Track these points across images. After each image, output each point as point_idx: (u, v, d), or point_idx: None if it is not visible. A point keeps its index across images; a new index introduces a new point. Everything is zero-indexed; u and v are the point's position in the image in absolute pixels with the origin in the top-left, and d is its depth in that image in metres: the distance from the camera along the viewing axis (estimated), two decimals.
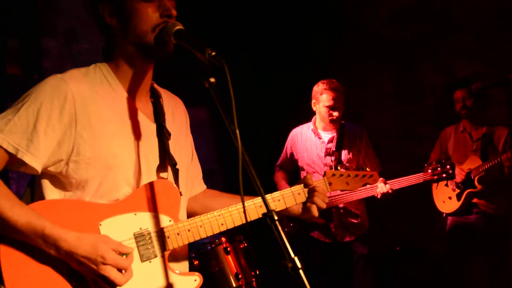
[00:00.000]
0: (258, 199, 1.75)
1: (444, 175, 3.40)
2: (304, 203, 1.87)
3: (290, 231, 3.89)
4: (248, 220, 1.72)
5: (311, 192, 1.85)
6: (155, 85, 1.82)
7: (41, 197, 1.59)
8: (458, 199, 4.05)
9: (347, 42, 5.91)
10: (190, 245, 1.76)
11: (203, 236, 1.68)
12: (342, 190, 3.26)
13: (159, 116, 1.73)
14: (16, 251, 1.48)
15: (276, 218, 1.27)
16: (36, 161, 1.49)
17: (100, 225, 1.55)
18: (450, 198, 4.13)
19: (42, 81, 1.55)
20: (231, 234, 3.30)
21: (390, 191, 3.49)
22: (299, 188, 1.87)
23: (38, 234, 1.44)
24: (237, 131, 1.30)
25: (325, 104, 3.75)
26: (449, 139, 4.25)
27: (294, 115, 4.35)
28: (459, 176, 3.97)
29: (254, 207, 1.75)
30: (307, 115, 3.95)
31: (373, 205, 3.86)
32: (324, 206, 1.85)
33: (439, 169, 3.40)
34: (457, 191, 4.06)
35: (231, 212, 1.73)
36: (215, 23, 4.93)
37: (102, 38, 1.70)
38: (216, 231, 1.71)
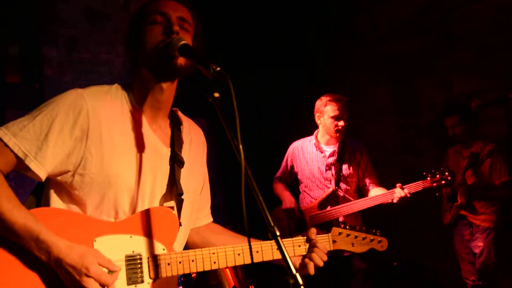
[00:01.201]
0: (257, 244, 1.75)
1: (443, 182, 3.47)
2: (302, 257, 1.83)
3: None
4: (242, 263, 1.72)
5: (312, 247, 1.81)
6: (179, 112, 1.86)
7: (46, 204, 1.62)
8: (450, 212, 4.34)
9: (345, 57, 5.96)
10: None
11: (193, 270, 1.66)
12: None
13: (175, 143, 1.75)
14: (6, 253, 1.49)
15: (278, 233, 1.27)
16: (41, 169, 1.53)
17: (95, 241, 1.56)
18: (446, 210, 4.44)
19: (63, 93, 1.61)
20: None
21: (408, 195, 3.49)
22: (300, 240, 1.84)
23: (32, 237, 1.46)
24: (241, 146, 1.31)
25: (330, 114, 3.76)
26: (450, 159, 4.50)
27: (290, 129, 4.38)
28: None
29: (248, 251, 1.73)
30: (303, 128, 3.96)
31: (370, 219, 3.86)
32: (321, 264, 1.79)
33: (437, 176, 3.47)
34: (449, 204, 4.37)
35: (226, 252, 1.72)
36: (216, 41, 4.96)
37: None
38: (207, 268, 1.69)
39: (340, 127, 3.77)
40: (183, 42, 1.53)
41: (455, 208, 4.28)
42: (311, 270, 1.79)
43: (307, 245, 1.83)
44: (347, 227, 1.95)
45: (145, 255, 1.61)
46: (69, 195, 1.61)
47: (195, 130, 1.92)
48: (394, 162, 5.55)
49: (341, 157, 3.81)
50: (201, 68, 1.40)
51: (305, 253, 1.82)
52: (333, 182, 3.77)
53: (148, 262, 1.61)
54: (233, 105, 1.30)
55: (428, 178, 3.51)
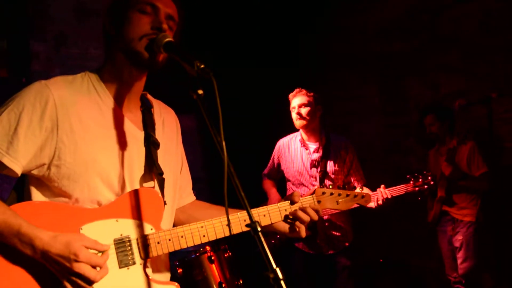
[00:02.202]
0: (243, 213, 1.75)
1: (425, 186, 3.50)
2: (291, 223, 1.85)
3: (276, 243, 3.88)
4: (232, 233, 1.73)
5: (299, 210, 1.83)
6: (148, 96, 1.85)
7: (28, 199, 1.60)
8: (432, 209, 4.45)
9: (335, 56, 5.99)
10: (174, 253, 1.75)
11: (184, 246, 1.68)
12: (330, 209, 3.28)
13: (147, 125, 1.74)
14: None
15: (259, 229, 1.29)
16: (15, 164, 1.50)
17: (81, 229, 1.55)
18: (430, 208, 4.52)
19: (26, 86, 1.58)
20: (216, 243, 3.31)
21: (389, 197, 3.47)
22: (285, 204, 1.86)
23: (13, 233, 1.44)
24: (223, 143, 1.32)
25: (291, 107, 3.86)
26: (430, 160, 4.61)
27: (279, 127, 4.39)
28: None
29: (238, 221, 1.76)
30: (293, 126, 3.97)
31: (356, 216, 3.89)
32: (307, 219, 1.81)
33: (420, 180, 3.51)
34: (432, 201, 4.46)
35: (213, 224, 1.72)
36: (206, 39, 4.97)
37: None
38: (197, 242, 1.70)
39: (297, 117, 3.79)
40: (168, 39, 1.55)
41: (436, 204, 4.35)
42: (303, 233, 1.84)
43: (292, 208, 1.85)
44: (330, 187, 1.97)
45: (133, 236, 1.61)
46: (49, 189, 1.59)
47: (166, 110, 1.91)
48: (382, 161, 5.60)
49: (326, 153, 3.80)
50: (185, 65, 1.41)
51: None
52: (318, 179, 3.77)
53: (137, 243, 1.61)
54: (216, 102, 1.32)
55: (411, 182, 3.54)
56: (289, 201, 1.87)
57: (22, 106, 1.52)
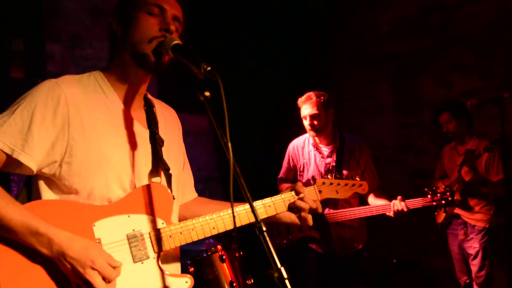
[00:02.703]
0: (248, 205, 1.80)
1: (443, 201, 3.39)
2: (297, 212, 1.91)
3: (288, 243, 3.82)
4: (239, 225, 1.79)
5: (302, 200, 1.90)
6: (149, 95, 1.88)
7: (38, 198, 1.61)
8: (444, 211, 4.31)
9: (347, 55, 5.98)
10: (186, 252, 1.78)
11: (195, 239, 1.72)
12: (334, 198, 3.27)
13: (152, 124, 1.78)
14: (8, 250, 1.49)
15: (264, 229, 1.31)
16: (31, 160, 1.51)
17: (94, 225, 1.57)
18: (441, 209, 4.38)
19: (37, 85, 1.60)
20: (227, 242, 3.34)
21: (405, 209, 3.37)
22: (290, 195, 1.91)
23: (32, 233, 1.45)
24: (229, 144, 1.34)
25: (301, 116, 3.74)
26: (445, 156, 4.47)
27: (291, 128, 4.37)
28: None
29: (245, 213, 1.80)
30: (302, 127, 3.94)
31: (371, 218, 3.87)
32: (307, 208, 1.89)
33: (438, 195, 3.40)
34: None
35: (222, 217, 1.77)
36: (217, 39, 4.99)
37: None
38: (208, 234, 1.74)
39: (309, 128, 3.68)
40: (176, 41, 1.57)
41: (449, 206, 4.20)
42: (311, 221, 1.90)
43: (297, 198, 1.91)
44: (329, 176, 2.09)
45: (146, 231, 1.64)
46: (58, 187, 1.60)
47: (166, 109, 1.95)
48: (395, 160, 5.58)
49: (340, 156, 3.69)
50: (193, 68, 1.44)
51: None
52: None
53: (150, 238, 1.63)
54: (222, 103, 1.34)
55: (429, 196, 3.41)
56: (294, 192, 1.92)
57: (34, 104, 1.53)
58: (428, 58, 5.24)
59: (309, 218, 1.89)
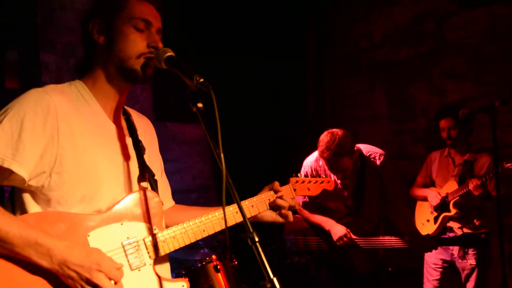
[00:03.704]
0: (234, 206, 1.87)
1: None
2: (277, 210, 2.01)
3: (300, 262, 3.70)
4: (228, 225, 1.84)
5: (281, 198, 2.01)
6: (125, 106, 1.89)
7: (23, 212, 1.57)
8: (435, 222, 4.03)
9: (342, 64, 6.02)
10: (181, 262, 1.80)
11: (187, 242, 1.75)
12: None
13: (133, 132, 1.80)
14: (5, 265, 1.45)
15: (257, 239, 1.32)
16: (23, 169, 1.48)
17: (89, 235, 1.55)
18: (428, 221, 4.13)
19: (23, 94, 1.56)
20: (222, 252, 3.33)
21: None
22: (269, 194, 2.03)
23: (30, 244, 1.42)
24: (222, 155, 1.35)
25: (325, 165, 3.46)
26: (433, 163, 4.28)
27: (287, 138, 4.37)
28: (435, 200, 4.02)
29: (232, 214, 1.87)
30: (300, 137, 3.89)
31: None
32: (286, 205, 1.99)
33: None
34: (435, 214, 4.07)
35: (211, 219, 1.82)
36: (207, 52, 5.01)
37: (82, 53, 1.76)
38: (199, 237, 1.79)
39: (339, 180, 3.46)
40: (169, 53, 1.59)
41: (443, 218, 3.98)
42: (291, 217, 2.02)
43: (275, 196, 2.03)
44: (300, 176, 2.29)
45: (140, 238, 1.65)
46: (45, 200, 1.57)
47: (142, 118, 1.96)
48: None
49: (362, 181, 3.48)
50: (186, 79, 1.46)
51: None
52: (352, 210, 3.55)
53: (145, 244, 1.65)
54: (215, 114, 1.35)
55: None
56: (273, 191, 2.04)
57: (23, 112, 1.50)
58: (421, 66, 5.29)
59: (290, 214, 2.01)
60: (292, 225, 3.76)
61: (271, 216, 2.01)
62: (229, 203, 1.38)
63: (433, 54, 5.19)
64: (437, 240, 3.27)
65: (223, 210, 1.34)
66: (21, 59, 4.40)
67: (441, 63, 5.12)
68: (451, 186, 4.01)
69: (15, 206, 1.61)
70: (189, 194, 5.14)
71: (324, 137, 3.38)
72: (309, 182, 2.30)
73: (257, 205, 1.97)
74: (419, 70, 5.31)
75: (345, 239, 3.41)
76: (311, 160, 3.68)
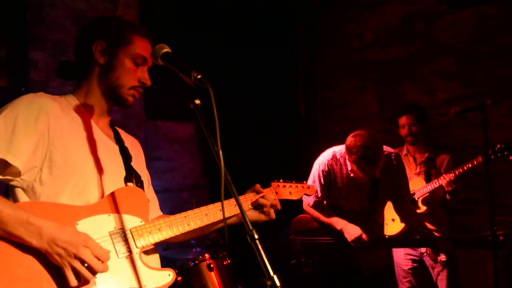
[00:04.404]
0: (218, 203, 1.97)
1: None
2: (259, 208, 2.10)
3: (311, 270, 3.63)
4: (213, 220, 1.95)
5: (262, 198, 2.11)
6: (111, 122, 2.02)
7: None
8: (401, 221, 3.89)
9: (333, 64, 6.04)
10: (174, 260, 1.82)
11: (171, 235, 1.84)
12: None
13: (120, 141, 1.93)
14: None
15: (256, 237, 1.31)
16: (18, 160, 1.57)
17: (77, 224, 1.63)
18: (393, 220, 4.04)
19: (17, 98, 1.68)
20: (215, 250, 3.32)
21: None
22: (250, 195, 2.13)
23: (22, 222, 1.49)
24: (220, 152, 1.35)
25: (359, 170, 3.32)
26: None
27: (278, 137, 4.37)
28: None
29: (215, 210, 1.97)
30: (293, 137, 3.89)
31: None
32: (275, 203, 2.11)
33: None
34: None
35: (195, 214, 1.91)
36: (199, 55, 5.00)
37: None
38: (184, 230, 1.87)
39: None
40: (165, 50, 1.58)
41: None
42: (273, 215, 2.12)
43: (257, 197, 2.12)
44: (281, 180, 2.35)
45: (126, 228, 1.74)
46: (36, 194, 1.65)
47: (129, 137, 2.08)
48: None
49: (376, 181, 3.41)
50: (183, 76, 1.46)
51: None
52: (364, 211, 3.53)
53: (131, 234, 1.73)
54: (213, 111, 1.34)
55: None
56: (254, 192, 2.15)
57: (17, 112, 1.62)
58: (411, 66, 5.33)
59: (272, 212, 2.10)
60: (300, 225, 3.75)
61: (254, 215, 2.09)
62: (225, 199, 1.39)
63: (423, 54, 5.23)
64: (451, 241, 3.25)
65: (222, 205, 1.35)
66: (9, 57, 4.35)
67: (430, 63, 5.16)
68: (418, 183, 4.02)
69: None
70: (180, 193, 5.13)
71: (355, 140, 3.24)
72: (290, 186, 2.36)
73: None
74: (409, 70, 5.35)
75: (362, 238, 3.32)
76: (326, 158, 3.55)
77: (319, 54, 6.12)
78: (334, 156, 3.53)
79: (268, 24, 5.60)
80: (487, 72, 4.73)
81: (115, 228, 1.71)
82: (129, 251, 1.70)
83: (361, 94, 5.82)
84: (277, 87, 5.57)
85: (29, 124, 1.61)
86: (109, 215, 1.71)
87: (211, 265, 3.15)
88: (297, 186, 2.40)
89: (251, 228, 1.32)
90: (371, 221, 3.55)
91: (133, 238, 1.73)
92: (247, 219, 1.34)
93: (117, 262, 1.66)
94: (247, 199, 2.11)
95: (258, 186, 2.16)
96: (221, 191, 1.34)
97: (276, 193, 2.27)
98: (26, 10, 4.30)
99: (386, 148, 3.50)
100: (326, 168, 3.51)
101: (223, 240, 3.39)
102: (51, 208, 1.62)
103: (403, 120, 4.11)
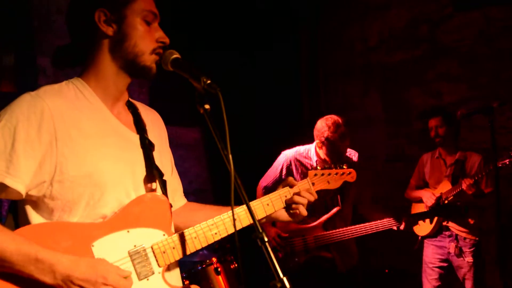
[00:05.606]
0: (242, 206, 1.75)
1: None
2: (288, 209, 1.88)
3: (295, 266, 3.68)
4: (241, 226, 1.73)
5: (297, 193, 1.87)
6: (131, 99, 1.78)
7: (26, 223, 1.49)
8: (431, 222, 4.08)
9: (337, 66, 6.05)
10: (181, 263, 1.75)
11: (198, 247, 1.65)
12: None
13: (140, 127, 1.68)
14: (5, 285, 1.38)
15: (266, 239, 1.32)
16: (18, 183, 1.40)
17: (93, 246, 1.48)
18: (424, 221, 4.16)
19: (15, 99, 1.46)
20: (222, 254, 3.33)
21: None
22: (285, 190, 1.88)
23: (31, 260, 1.34)
24: (230, 156, 1.36)
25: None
26: (425, 165, 4.38)
27: (283, 137, 4.37)
28: (430, 200, 4.11)
29: (245, 214, 1.74)
30: (297, 137, 3.93)
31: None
32: (305, 202, 1.85)
33: None
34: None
35: (223, 220, 1.70)
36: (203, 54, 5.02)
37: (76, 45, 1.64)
38: (211, 241, 1.67)
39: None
40: (175, 55, 1.57)
41: (438, 218, 4.03)
42: (304, 212, 1.85)
43: (292, 192, 1.89)
44: (319, 168, 2.11)
45: (147, 245, 1.56)
46: (49, 209, 1.49)
47: (151, 112, 1.84)
48: (385, 170, 5.62)
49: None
50: (193, 81, 1.45)
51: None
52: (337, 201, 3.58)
53: (153, 252, 1.56)
54: (223, 116, 1.35)
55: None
56: (288, 187, 1.89)
57: (15, 120, 1.41)
58: (416, 69, 5.33)
59: (302, 209, 1.86)
60: (284, 225, 3.75)
61: (284, 214, 1.89)
62: (237, 204, 1.36)
63: (428, 57, 5.24)
64: (413, 214, 3.33)
65: (232, 211, 1.35)
66: (17, 63, 4.38)
67: (436, 66, 5.17)
68: (445, 186, 4.10)
69: (18, 218, 1.53)
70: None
71: (326, 121, 3.41)
72: (329, 174, 2.11)
73: (272, 203, 1.83)
74: (414, 73, 5.35)
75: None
76: (291, 153, 3.69)
77: (324, 57, 6.13)
78: (298, 152, 3.67)
79: (271, 27, 5.61)
80: (492, 75, 4.74)
81: (135, 246, 1.53)
82: (152, 272, 1.54)
83: (365, 97, 5.83)
84: (281, 90, 5.57)
85: (31, 134, 1.41)
86: (128, 231, 1.53)
87: (219, 269, 3.15)
88: (336, 173, 2.12)
89: (261, 230, 1.32)
90: (337, 217, 3.60)
91: (155, 256, 1.55)
92: (256, 221, 1.35)
93: (139, 285, 1.51)
94: (281, 196, 1.85)
95: (291, 179, 1.90)
96: (231, 195, 1.32)
97: (313, 183, 2.00)
98: (33, 16, 4.34)
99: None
100: (289, 162, 3.66)
101: (230, 243, 3.39)
102: (62, 229, 1.46)
103: (431, 123, 4.22)
